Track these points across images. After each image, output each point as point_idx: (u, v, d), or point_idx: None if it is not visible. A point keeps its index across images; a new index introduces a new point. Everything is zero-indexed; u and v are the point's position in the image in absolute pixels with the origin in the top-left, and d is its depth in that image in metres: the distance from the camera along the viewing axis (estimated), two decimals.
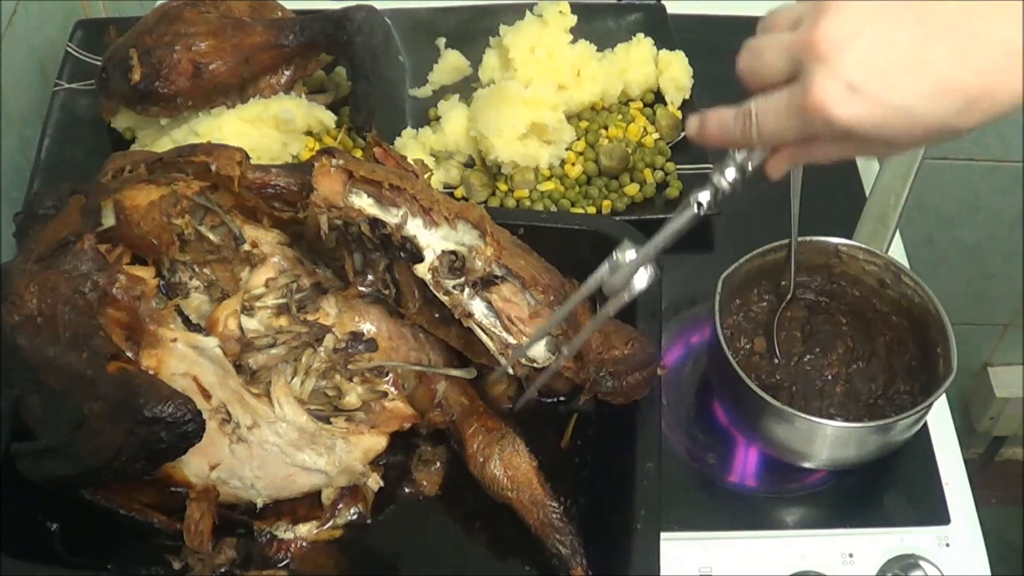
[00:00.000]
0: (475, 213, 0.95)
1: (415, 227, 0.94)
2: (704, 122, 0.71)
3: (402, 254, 0.94)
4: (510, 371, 0.95)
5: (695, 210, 0.73)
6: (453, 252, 0.94)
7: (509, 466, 0.94)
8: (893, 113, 0.61)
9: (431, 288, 0.94)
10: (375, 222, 0.94)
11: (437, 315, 0.97)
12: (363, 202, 0.94)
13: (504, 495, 0.94)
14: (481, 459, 0.95)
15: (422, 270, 0.93)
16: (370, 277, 0.98)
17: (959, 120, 0.61)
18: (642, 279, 0.79)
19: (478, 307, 0.94)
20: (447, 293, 0.93)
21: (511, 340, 0.93)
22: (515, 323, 0.94)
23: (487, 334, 0.93)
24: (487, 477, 0.94)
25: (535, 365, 0.95)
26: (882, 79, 0.60)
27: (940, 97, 0.60)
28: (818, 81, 0.61)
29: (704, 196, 0.72)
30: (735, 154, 0.70)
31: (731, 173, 0.70)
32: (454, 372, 0.99)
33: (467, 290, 0.93)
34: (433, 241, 0.94)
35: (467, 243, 0.94)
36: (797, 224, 1.05)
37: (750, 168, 0.70)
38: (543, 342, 0.94)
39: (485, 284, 0.94)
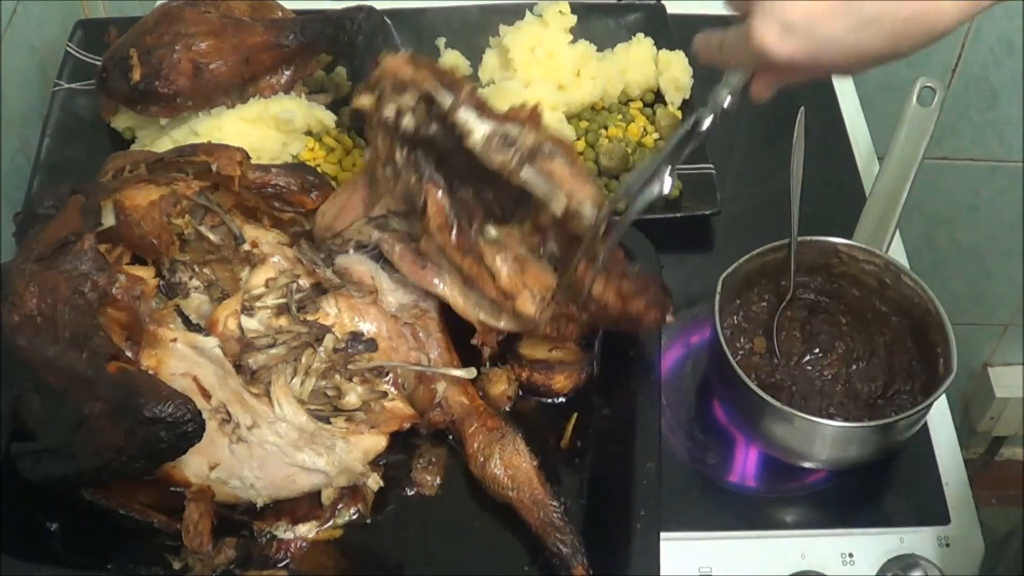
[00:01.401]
0: (524, 113, 0.93)
1: (467, 113, 0.91)
2: (702, 40, 0.80)
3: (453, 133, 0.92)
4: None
5: (692, 122, 0.83)
6: (504, 135, 0.92)
7: (510, 465, 0.94)
8: (826, 46, 0.68)
9: (480, 158, 0.91)
10: (430, 100, 0.92)
11: (458, 238, 0.96)
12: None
13: (505, 495, 0.94)
14: (482, 459, 0.95)
15: (476, 137, 0.90)
16: (400, 187, 0.96)
17: (892, 47, 0.67)
18: (667, 185, 0.85)
19: (528, 172, 0.91)
20: (497, 157, 0.91)
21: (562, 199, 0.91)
22: (565, 184, 0.92)
23: (539, 192, 0.91)
24: (488, 477, 0.94)
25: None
26: (811, 16, 0.67)
27: (868, 28, 0.66)
28: (756, 24, 0.69)
29: (705, 113, 0.82)
30: (727, 75, 0.79)
31: (724, 92, 0.80)
32: (454, 372, 0.99)
33: (517, 155, 0.91)
34: (485, 128, 0.91)
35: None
36: (797, 224, 1.05)
37: (739, 86, 0.79)
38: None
39: (532, 157, 0.91)
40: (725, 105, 0.80)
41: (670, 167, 0.85)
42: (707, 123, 0.82)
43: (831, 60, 0.69)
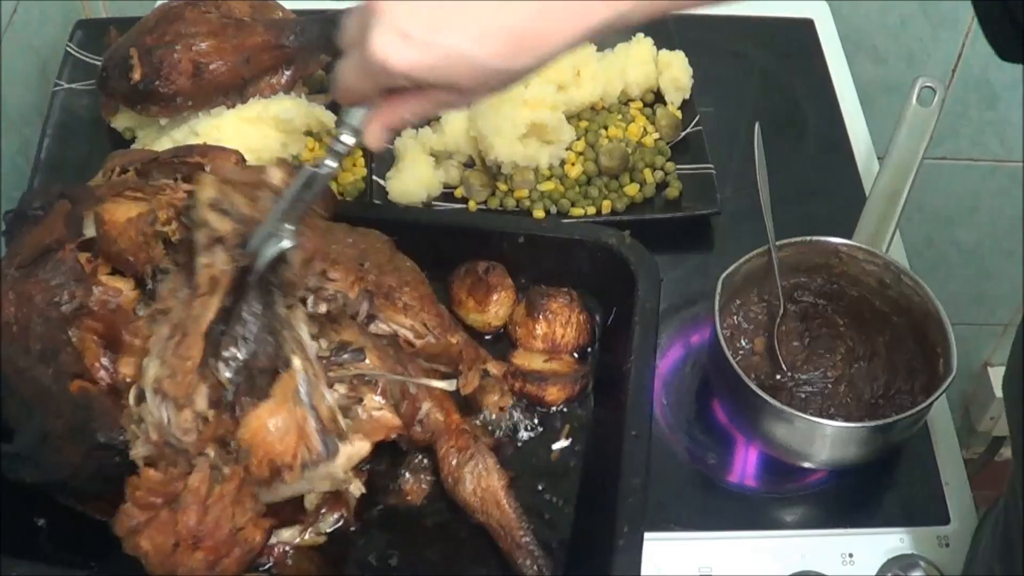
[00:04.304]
0: None
1: None
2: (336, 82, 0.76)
3: None
4: None
5: (311, 170, 0.80)
6: None
7: (478, 487, 0.93)
8: (444, 56, 0.66)
9: None
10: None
11: None
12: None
13: (475, 518, 0.93)
14: (452, 481, 0.94)
15: None
16: None
17: (513, 62, 0.67)
18: (289, 241, 0.82)
19: None
20: None
21: None
22: None
23: None
24: (459, 499, 0.94)
25: None
26: (430, 25, 0.65)
27: (488, 39, 0.65)
28: (374, 35, 0.66)
29: (329, 161, 0.79)
30: (344, 115, 0.77)
31: (344, 133, 0.77)
32: (435, 383, 0.97)
33: None
34: None
35: None
36: (773, 235, 1.04)
37: (360, 127, 0.76)
38: None
39: None
40: (344, 146, 0.77)
41: (294, 221, 0.82)
42: (327, 170, 0.79)
43: (451, 74, 0.67)
